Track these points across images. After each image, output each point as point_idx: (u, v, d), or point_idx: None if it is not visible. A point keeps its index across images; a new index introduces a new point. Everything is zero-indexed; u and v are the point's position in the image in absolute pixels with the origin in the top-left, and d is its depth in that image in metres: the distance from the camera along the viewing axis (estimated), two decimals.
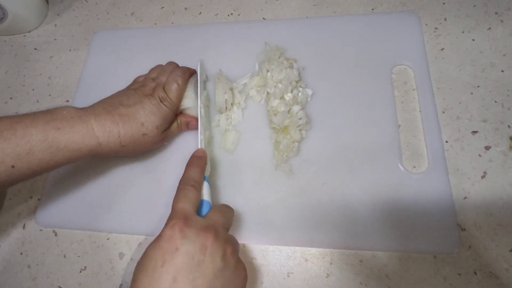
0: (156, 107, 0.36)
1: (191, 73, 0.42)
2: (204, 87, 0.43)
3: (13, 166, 0.30)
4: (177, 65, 0.42)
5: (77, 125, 0.32)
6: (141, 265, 0.26)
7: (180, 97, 0.39)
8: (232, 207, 0.34)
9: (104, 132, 0.33)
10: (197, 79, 0.41)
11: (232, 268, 0.27)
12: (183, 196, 0.30)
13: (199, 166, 0.33)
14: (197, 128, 0.40)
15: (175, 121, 0.40)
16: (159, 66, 0.42)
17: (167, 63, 0.42)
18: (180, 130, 0.41)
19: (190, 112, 0.40)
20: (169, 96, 0.38)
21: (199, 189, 0.32)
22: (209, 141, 0.41)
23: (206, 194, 0.33)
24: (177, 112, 0.40)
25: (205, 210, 0.32)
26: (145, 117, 0.35)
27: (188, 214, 0.28)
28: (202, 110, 0.38)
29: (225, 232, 0.29)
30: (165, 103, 0.37)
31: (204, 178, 0.33)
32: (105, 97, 0.38)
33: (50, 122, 0.31)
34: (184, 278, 0.25)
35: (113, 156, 0.37)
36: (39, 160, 0.31)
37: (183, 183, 0.31)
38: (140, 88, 0.38)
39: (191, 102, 0.40)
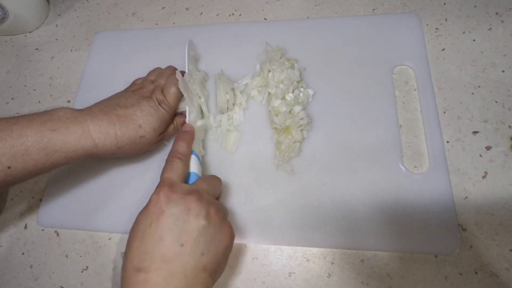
0: (154, 109, 0.36)
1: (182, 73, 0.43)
2: (196, 67, 0.45)
3: (9, 167, 0.30)
4: (175, 69, 0.42)
5: (73, 126, 0.32)
6: (133, 228, 0.29)
7: (178, 100, 0.39)
8: (220, 178, 0.35)
9: (100, 133, 0.33)
10: (187, 63, 0.41)
11: (216, 226, 0.29)
12: (169, 167, 0.32)
13: (186, 140, 0.35)
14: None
15: (171, 123, 0.40)
16: (158, 69, 0.43)
17: (166, 67, 0.43)
18: (176, 131, 0.41)
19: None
20: (167, 98, 0.38)
21: (186, 161, 0.34)
22: (205, 127, 0.41)
23: (193, 167, 0.35)
24: (173, 115, 0.40)
25: (192, 180, 0.34)
26: (143, 119, 0.35)
27: (173, 181, 0.31)
28: (194, 86, 0.39)
29: (209, 196, 0.31)
30: (163, 105, 0.37)
31: (191, 152, 0.35)
32: (106, 97, 0.38)
33: (46, 123, 0.32)
34: (169, 236, 0.27)
35: (109, 157, 0.37)
36: (35, 161, 0.31)
37: (171, 155, 0.33)
38: (138, 90, 0.39)
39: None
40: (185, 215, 0.28)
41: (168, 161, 0.33)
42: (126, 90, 0.40)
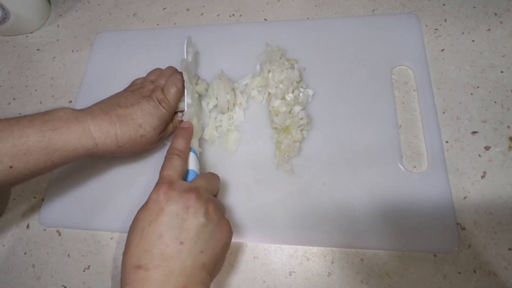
0: (154, 108, 0.37)
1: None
2: (196, 64, 0.46)
3: (11, 167, 0.31)
4: (176, 70, 0.42)
5: (74, 125, 0.33)
6: (132, 227, 0.29)
7: (178, 100, 0.39)
8: (219, 175, 0.35)
9: (101, 132, 0.34)
10: (186, 57, 0.42)
11: (215, 224, 0.30)
12: (168, 164, 0.32)
13: (185, 137, 0.35)
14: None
15: (171, 122, 0.40)
16: (158, 69, 0.43)
17: (166, 67, 0.43)
18: (175, 129, 0.42)
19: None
20: (168, 98, 0.38)
21: (184, 158, 0.34)
22: (200, 128, 0.41)
23: (192, 164, 0.35)
24: (173, 114, 0.40)
25: (191, 178, 0.34)
26: (143, 118, 0.36)
27: (173, 179, 0.31)
28: (190, 86, 0.40)
29: (208, 194, 0.31)
30: (163, 104, 0.37)
31: (190, 149, 0.36)
32: (107, 97, 0.39)
33: (47, 123, 0.32)
34: (169, 234, 0.28)
35: (109, 157, 0.37)
36: (36, 160, 0.31)
37: (170, 152, 0.34)
38: (138, 89, 0.39)
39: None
40: (184, 212, 0.28)
41: (167, 158, 0.33)
42: (126, 90, 0.40)
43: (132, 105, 0.36)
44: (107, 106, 0.36)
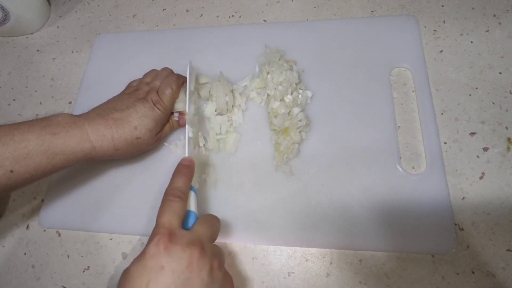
0: (149, 110, 0.37)
1: (185, 80, 0.43)
2: (195, 94, 0.43)
3: (11, 171, 0.31)
4: (171, 71, 0.43)
5: (72, 130, 0.33)
6: (125, 284, 0.25)
7: (173, 101, 0.40)
8: (219, 217, 0.33)
9: (98, 136, 0.34)
10: (189, 86, 0.41)
11: (219, 282, 0.27)
12: (168, 208, 0.29)
13: (186, 175, 0.32)
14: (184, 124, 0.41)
15: (167, 123, 0.40)
16: (154, 70, 0.43)
17: (162, 68, 0.43)
18: (172, 129, 0.42)
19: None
20: (163, 99, 0.38)
21: (185, 199, 0.31)
22: (202, 158, 0.40)
23: (192, 205, 0.32)
24: (169, 116, 0.40)
25: (191, 221, 0.31)
26: (138, 121, 0.36)
27: (173, 228, 0.27)
28: (192, 116, 0.39)
29: (211, 245, 0.29)
30: (158, 106, 0.38)
31: (190, 188, 0.32)
32: (107, 99, 0.39)
33: (46, 128, 0.32)
34: None
35: (107, 159, 0.37)
36: (37, 164, 0.32)
37: (169, 193, 0.30)
38: (134, 92, 0.39)
39: (183, 106, 0.40)
40: (187, 271, 0.25)
41: (166, 200, 0.30)
42: (122, 93, 0.41)
43: (128, 108, 0.36)
44: (103, 110, 0.36)
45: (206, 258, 0.27)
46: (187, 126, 0.38)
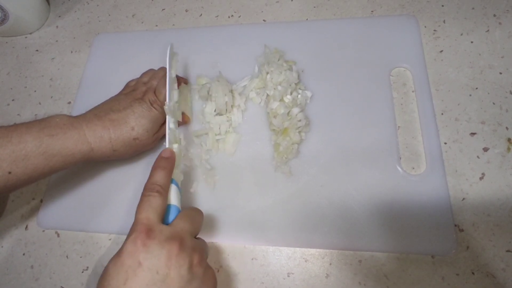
0: (146, 110, 0.37)
1: (184, 81, 0.43)
2: (176, 83, 0.40)
3: (9, 172, 0.31)
4: None
5: (70, 131, 0.33)
6: (103, 283, 0.25)
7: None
8: (201, 210, 0.32)
9: (95, 137, 0.34)
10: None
11: (200, 278, 0.27)
12: (146, 204, 0.28)
13: (166, 168, 0.31)
14: (185, 123, 0.42)
15: (164, 123, 0.40)
16: (151, 70, 0.43)
17: (159, 68, 0.43)
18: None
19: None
20: (160, 99, 0.38)
21: (165, 194, 0.29)
22: (182, 149, 0.38)
23: (173, 198, 0.31)
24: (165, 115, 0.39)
25: (172, 215, 0.30)
26: (135, 121, 0.36)
27: (151, 224, 0.26)
28: (173, 105, 0.37)
29: (191, 240, 0.28)
30: (155, 106, 0.38)
31: (171, 181, 0.31)
32: (106, 99, 0.39)
33: (44, 129, 0.32)
34: None
35: (106, 160, 0.37)
36: (35, 166, 0.32)
37: (147, 189, 0.29)
38: (131, 92, 0.39)
39: (182, 107, 0.40)
40: (165, 267, 0.25)
41: (144, 195, 0.29)
42: (120, 93, 0.41)
43: (125, 108, 0.36)
44: (101, 111, 0.36)
45: (186, 253, 0.26)
46: (167, 116, 0.36)
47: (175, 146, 0.34)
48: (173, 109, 0.37)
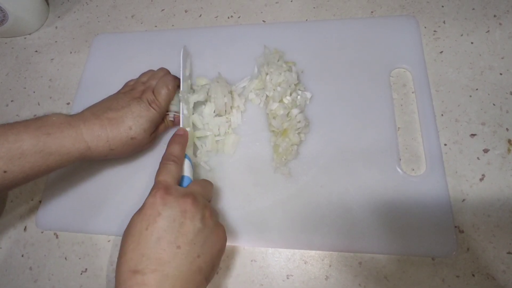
0: (144, 110, 0.37)
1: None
2: (188, 78, 0.44)
3: (5, 171, 0.31)
4: (168, 71, 0.43)
5: (67, 130, 0.33)
6: (128, 231, 0.29)
7: (169, 101, 0.40)
8: (212, 182, 0.36)
9: (93, 136, 0.34)
10: (182, 71, 0.42)
11: (211, 228, 0.30)
12: (164, 170, 0.32)
13: (180, 143, 0.35)
14: (175, 125, 0.42)
15: (162, 123, 0.41)
16: (150, 70, 0.43)
17: (158, 68, 0.43)
18: (167, 129, 0.42)
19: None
20: (158, 99, 0.38)
21: (180, 164, 0.34)
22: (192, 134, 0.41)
23: (187, 171, 0.35)
24: (163, 115, 0.40)
25: (185, 184, 0.34)
26: (133, 121, 0.36)
27: (169, 184, 0.31)
28: (186, 94, 0.40)
29: (203, 200, 0.31)
30: (153, 105, 0.38)
31: (185, 155, 0.35)
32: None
33: (41, 128, 0.32)
34: (166, 237, 0.28)
35: (103, 159, 0.37)
36: (32, 164, 0.32)
37: (165, 158, 0.33)
38: (130, 91, 0.39)
39: (177, 108, 0.41)
40: (181, 217, 0.28)
41: (162, 164, 0.33)
42: (118, 92, 0.41)
43: (123, 107, 0.36)
44: (98, 110, 0.36)
45: (199, 207, 0.30)
46: (181, 103, 0.39)
47: (187, 129, 0.38)
48: (186, 98, 0.40)
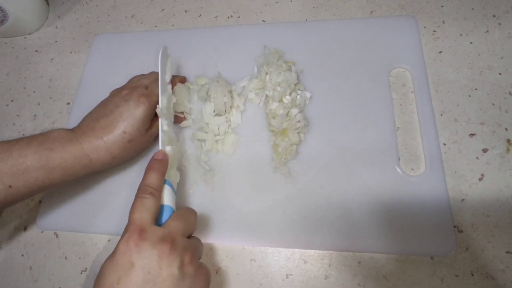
0: (132, 108, 0.35)
1: (181, 80, 0.43)
2: (168, 83, 0.41)
3: (10, 186, 0.32)
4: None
5: (67, 145, 0.34)
6: (98, 282, 0.26)
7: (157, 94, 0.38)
8: (195, 210, 0.33)
9: (92, 149, 0.34)
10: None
11: (192, 277, 0.27)
12: (140, 205, 0.29)
13: (159, 170, 0.32)
14: (179, 122, 0.42)
15: (156, 120, 0.39)
16: (141, 74, 0.42)
17: (149, 72, 0.42)
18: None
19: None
20: (149, 92, 0.37)
21: (158, 196, 0.30)
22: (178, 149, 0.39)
23: (167, 199, 0.31)
24: (154, 108, 0.38)
25: (165, 216, 0.30)
26: (124, 123, 0.35)
27: (144, 225, 0.27)
28: (165, 109, 0.37)
29: (183, 240, 0.28)
30: (142, 99, 0.36)
31: (164, 182, 0.32)
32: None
33: (43, 144, 0.33)
34: None
35: (109, 167, 0.37)
36: (35, 179, 0.32)
37: (141, 190, 0.30)
38: (116, 93, 0.38)
39: (183, 107, 0.41)
40: (157, 267, 0.26)
41: (138, 197, 0.29)
42: (107, 97, 0.39)
43: (112, 112, 0.36)
44: (91, 121, 0.36)
45: (177, 253, 0.27)
46: (160, 119, 0.36)
47: (168, 148, 0.35)
48: (166, 112, 0.37)
